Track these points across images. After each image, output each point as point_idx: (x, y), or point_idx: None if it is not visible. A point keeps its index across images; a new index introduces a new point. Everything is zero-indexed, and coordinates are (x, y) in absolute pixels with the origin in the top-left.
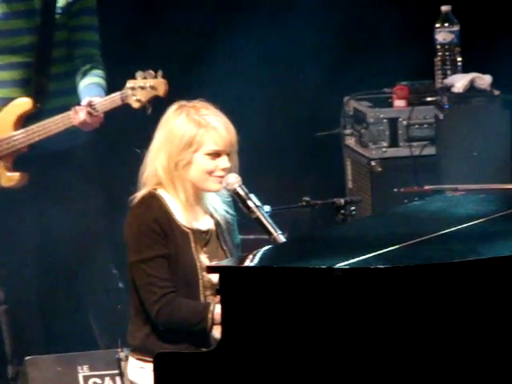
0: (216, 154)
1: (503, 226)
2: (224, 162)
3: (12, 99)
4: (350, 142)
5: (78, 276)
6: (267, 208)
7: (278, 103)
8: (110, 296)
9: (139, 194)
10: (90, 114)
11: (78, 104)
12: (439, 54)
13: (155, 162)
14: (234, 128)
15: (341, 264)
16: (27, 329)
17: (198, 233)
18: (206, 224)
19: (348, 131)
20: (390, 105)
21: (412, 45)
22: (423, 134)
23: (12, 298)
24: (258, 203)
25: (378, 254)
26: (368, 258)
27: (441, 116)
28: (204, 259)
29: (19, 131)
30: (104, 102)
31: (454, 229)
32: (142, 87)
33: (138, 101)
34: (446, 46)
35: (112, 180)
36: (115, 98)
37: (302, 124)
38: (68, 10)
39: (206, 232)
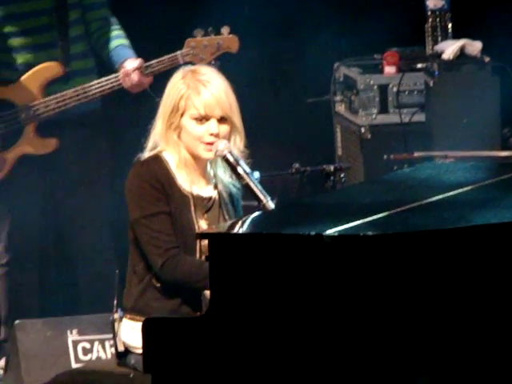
0: (203, 119)
1: (492, 193)
2: (212, 126)
3: (36, 64)
4: (340, 108)
5: (76, 238)
6: (257, 174)
7: (267, 70)
8: (100, 259)
9: (143, 155)
10: (142, 74)
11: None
12: (430, 20)
13: (155, 125)
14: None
15: (330, 231)
16: (24, 292)
17: (199, 198)
18: (208, 192)
19: (338, 98)
20: (381, 71)
21: (403, 11)
22: (413, 100)
23: (14, 260)
24: (248, 170)
25: (367, 221)
26: (357, 225)
27: (431, 83)
28: (203, 225)
29: (49, 98)
30: (162, 63)
31: (443, 196)
32: (208, 45)
33: (203, 59)
34: (437, 13)
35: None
36: (175, 58)
37: (291, 90)
38: None
39: (208, 199)
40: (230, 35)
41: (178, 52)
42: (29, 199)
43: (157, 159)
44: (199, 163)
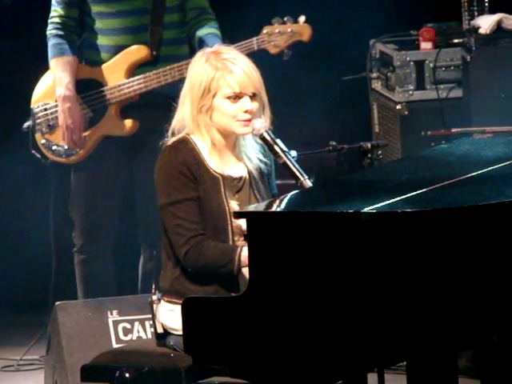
0: (237, 97)
1: None
2: (246, 103)
3: (124, 46)
4: (377, 85)
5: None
6: (294, 153)
7: (303, 47)
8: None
9: (171, 140)
10: None
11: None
12: None
13: (182, 111)
14: (259, 71)
15: (368, 208)
16: (101, 279)
17: (229, 179)
18: (238, 171)
19: (374, 75)
20: (417, 47)
21: None
22: (450, 76)
23: (89, 248)
24: (285, 148)
25: (405, 198)
26: (395, 201)
27: (468, 58)
28: (235, 206)
29: (133, 79)
30: (239, 48)
31: (481, 171)
32: (281, 32)
33: (276, 46)
34: None
35: None
36: (250, 44)
37: (328, 68)
38: None
39: (239, 179)
40: (304, 24)
41: (254, 38)
42: (107, 181)
43: (184, 142)
44: (229, 143)
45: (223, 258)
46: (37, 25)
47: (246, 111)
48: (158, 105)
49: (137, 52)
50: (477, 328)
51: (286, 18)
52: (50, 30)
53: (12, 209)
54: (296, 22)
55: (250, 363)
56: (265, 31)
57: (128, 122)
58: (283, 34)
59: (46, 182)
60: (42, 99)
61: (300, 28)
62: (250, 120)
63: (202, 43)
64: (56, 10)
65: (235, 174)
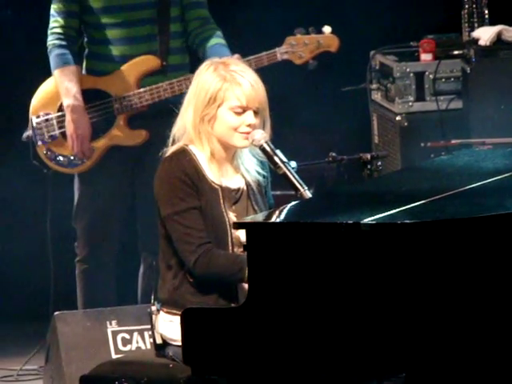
0: (241, 110)
1: None
2: (249, 117)
3: (129, 56)
4: (377, 96)
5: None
6: (293, 164)
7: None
8: None
9: (170, 149)
10: None
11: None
12: (466, 6)
13: (184, 118)
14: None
15: (368, 219)
16: (101, 290)
17: (227, 190)
18: (236, 183)
19: (374, 86)
20: (417, 59)
21: None
22: (450, 87)
23: (92, 258)
24: (285, 159)
25: (405, 209)
26: (395, 213)
27: (468, 69)
28: (232, 217)
29: (144, 89)
30: (261, 58)
31: (481, 183)
32: (307, 43)
33: (301, 57)
34: None
35: None
36: (274, 54)
37: (327, 79)
38: None
39: (236, 190)
40: (331, 34)
41: (277, 49)
42: (111, 191)
43: (184, 153)
44: (228, 154)
45: (234, 266)
46: (36, 35)
47: (248, 125)
48: (165, 114)
49: (146, 62)
50: (477, 339)
51: (310, 29)
52: (52, 41)
53: (10, 219)
54: (320, 32)
55: (249, 374)
56: (289, 41)
57: (139, 133)
58: (309, 44)
59: (44, 192)
60: (42, 109)
61: (327, 39)
62: (249, 133)
63: (210, 53)
64: (57, 21)
65: (233, 186)
